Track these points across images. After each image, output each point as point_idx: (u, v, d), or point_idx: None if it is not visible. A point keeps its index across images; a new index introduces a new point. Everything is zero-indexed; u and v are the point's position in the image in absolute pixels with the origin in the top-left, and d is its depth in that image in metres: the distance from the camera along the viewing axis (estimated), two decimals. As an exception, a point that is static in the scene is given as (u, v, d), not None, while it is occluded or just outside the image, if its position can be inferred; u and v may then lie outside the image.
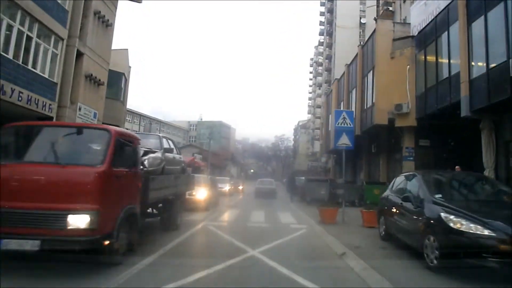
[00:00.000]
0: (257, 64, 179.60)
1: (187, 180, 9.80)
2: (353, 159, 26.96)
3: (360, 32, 54.59)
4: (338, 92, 27.78)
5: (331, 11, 59.65)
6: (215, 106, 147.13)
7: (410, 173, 7.94)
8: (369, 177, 22.61)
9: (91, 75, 15.90)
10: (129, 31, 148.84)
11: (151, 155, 6.82)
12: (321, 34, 70.89)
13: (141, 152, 6.46)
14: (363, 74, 20.87)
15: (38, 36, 12.16)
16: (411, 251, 6.24)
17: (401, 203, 6.73)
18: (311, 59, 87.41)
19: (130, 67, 30.81)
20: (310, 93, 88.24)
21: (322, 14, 70.63)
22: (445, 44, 14.54)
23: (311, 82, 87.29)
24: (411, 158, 17.28)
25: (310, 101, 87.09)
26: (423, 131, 17.08)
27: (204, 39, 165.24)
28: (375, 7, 33.40)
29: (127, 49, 30.21)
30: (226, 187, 25.20)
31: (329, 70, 58.50)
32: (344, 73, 25.66)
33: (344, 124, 10.53)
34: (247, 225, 10.40)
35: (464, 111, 12.15)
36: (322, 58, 68.75)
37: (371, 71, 19.23)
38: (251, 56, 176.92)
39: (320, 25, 71.89)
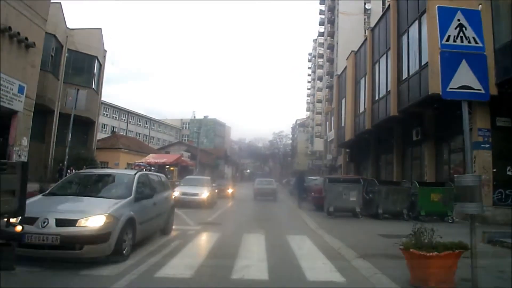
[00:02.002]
0: (252, 63, 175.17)
1: None
2: (375, 151, 21.13)
3: (364, 19, 52.13)
4: (355, 68, 21.85)
5: (332, -3, 55.81)
6: (210, 107, 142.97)
7: None
8: (402, 176, 16.72)
9: (10, 28, 11.40)
10: (121, 28, 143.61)
11: None
12: (321, 23, 68.54)
13: None
14: (400, 32, 14.96)
15: None
16: None
17: None
18: (309, 53, 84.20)
19: (105, 50, 25.95)
20: (308, 89, 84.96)
21: (322, 2, 67.11)
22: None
23: (309, 78, 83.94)
24: (488, 146, 11.34)
25: (308, 98, 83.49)
26: (502, 105, 11.28)
27: (200, 37, 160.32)
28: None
29: (100, 29, 25.20)
30: (203, 194, 15.51)
31: (331, 61, 55.78)
32: (365, 40, 19.73)
33: (460, 41, 4.29)
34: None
35: None
36: (322, 49, 65.42)
37: (417, 22, 13.31)
38: (247, 56, 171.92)
39: (320, 14, 68.80)
